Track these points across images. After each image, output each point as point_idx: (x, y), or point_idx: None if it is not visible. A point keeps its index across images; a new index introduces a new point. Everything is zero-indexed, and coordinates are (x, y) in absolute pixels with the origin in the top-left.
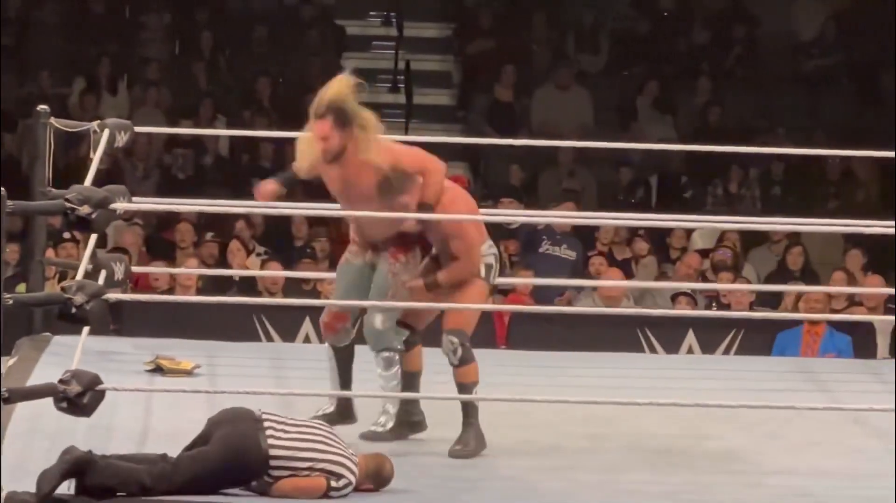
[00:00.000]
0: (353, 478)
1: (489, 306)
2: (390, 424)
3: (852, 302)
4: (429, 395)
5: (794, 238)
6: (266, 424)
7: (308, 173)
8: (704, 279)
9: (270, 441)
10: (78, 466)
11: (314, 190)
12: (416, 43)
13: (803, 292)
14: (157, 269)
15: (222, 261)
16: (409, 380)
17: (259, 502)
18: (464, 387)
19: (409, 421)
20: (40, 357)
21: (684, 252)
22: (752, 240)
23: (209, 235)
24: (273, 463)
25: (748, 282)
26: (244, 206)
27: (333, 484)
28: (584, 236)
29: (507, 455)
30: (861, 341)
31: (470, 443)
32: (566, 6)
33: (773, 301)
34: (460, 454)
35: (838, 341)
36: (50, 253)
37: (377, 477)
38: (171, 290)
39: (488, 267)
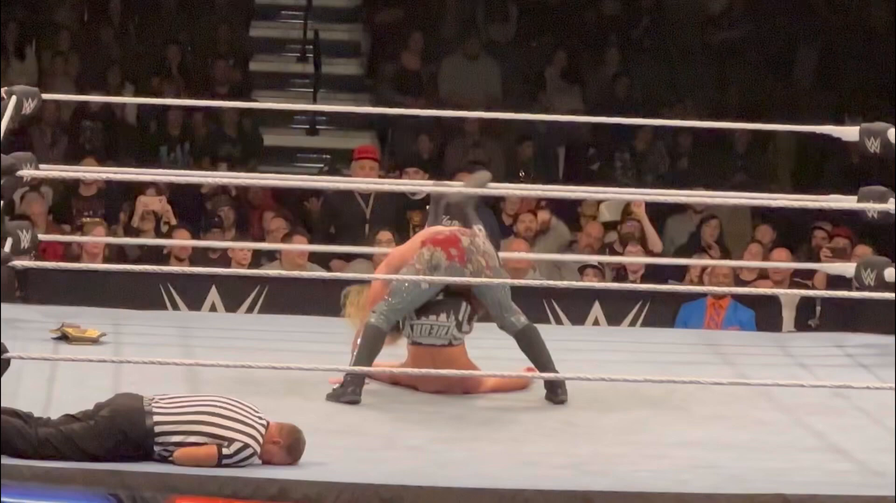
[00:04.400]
0: (252, 443)
1: (394, 276)
2: None
3: (761, 275)
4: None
5: (709, 210)
6: (154, 401)
7: None
8: (612, 251)
9: (157, 417)
10: None
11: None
12: (325, 12)
13: (708, 265)
14: (65, 238)
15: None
16: None
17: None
18: None
19: None
20: None
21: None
22: (669, 209)
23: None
24: (159, 437)
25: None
26: (151, 174)
27: (225, 450)
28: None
29: (412, 425)
30: (766, 314)
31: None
32: None
33: (681, 273)
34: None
35: (742, 315)
36: None
37: (291, 446)
38: (77, 258)
39: None
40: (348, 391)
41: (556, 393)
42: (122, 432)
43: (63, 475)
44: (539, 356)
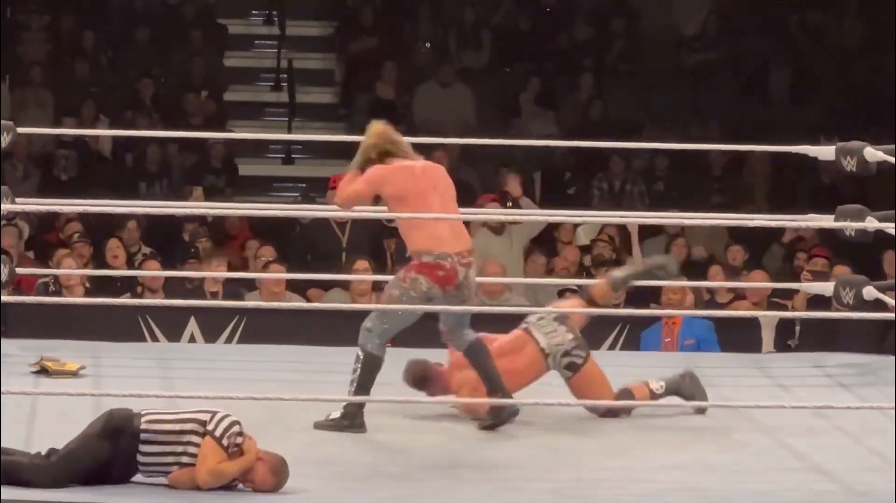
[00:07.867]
0: (237, 421)
1: (366, 306)
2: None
3: (736, 296)
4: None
5: (679, 231)
6: (144, 410)
7: None
8: (588, 275)
9: (145, 417)
10: None
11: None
12: (299, 41)
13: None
14: (41, 270)
15: (101, 261)
16: None
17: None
18: None
19: None
20: None
21: (568, 246)
22: (648, 231)
23: (76, 236)
24: (144, 434)
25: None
26: (126, 206)
27: (208, 419)
28: None
29: (393, 454)
30: (746, 335)
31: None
32: (448, 3)
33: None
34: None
35: (696, 328)
36: None
37: (276, 467)
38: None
39: None
40: (357, 422)
41: (499, 415)
42: (114, 433)
43: None
44: (486, 371)
